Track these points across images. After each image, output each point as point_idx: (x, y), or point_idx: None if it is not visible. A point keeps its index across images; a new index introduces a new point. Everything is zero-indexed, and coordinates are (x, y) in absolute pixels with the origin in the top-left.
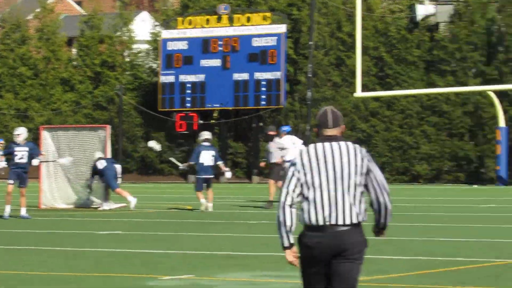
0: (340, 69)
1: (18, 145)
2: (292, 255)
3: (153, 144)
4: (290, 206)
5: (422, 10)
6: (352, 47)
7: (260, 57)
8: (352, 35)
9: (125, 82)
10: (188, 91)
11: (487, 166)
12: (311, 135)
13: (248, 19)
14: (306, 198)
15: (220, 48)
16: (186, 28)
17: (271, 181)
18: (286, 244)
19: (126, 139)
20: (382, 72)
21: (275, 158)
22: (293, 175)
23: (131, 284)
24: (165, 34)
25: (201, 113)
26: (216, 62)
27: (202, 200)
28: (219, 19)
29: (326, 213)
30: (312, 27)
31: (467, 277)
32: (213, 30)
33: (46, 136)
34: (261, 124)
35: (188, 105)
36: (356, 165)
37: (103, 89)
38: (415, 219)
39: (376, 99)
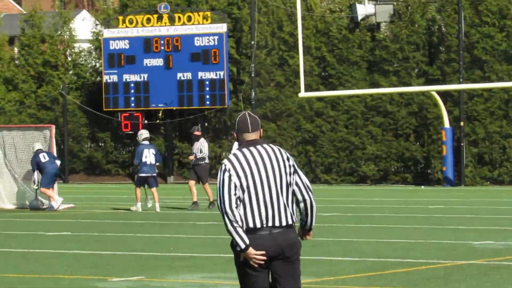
0: (283, 68)
1: None
2: (253, 252)
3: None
4: (236, 208)
5: (362, 10)
6: (294, 46)
7: (203, 57)
8: (293, 35)
9: (68, 82)
10: (132, 91)
11: (433, 167)
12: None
13: (189, 18)
14: (242, 202)
15: (162, 48)
16: (127, 27)
17: (192, 182)
18: (245, 244)
19: (72, 139)
20: (325, 72)
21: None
22: (230, 180)
23: (80, 286)
24: (107, 33)
25: (145, 113)
26: (158, 62)
27: (138, 204)
28: (159, 18)
29: (263, 215)
30: (253, 26)
31: (417, 279)
32: (154, 29)
33: None
34: (206, 124)
35: (133, 104)
36: (284, 166)
37: (46, 88)
38: (363, 220)
39: (321, 99)
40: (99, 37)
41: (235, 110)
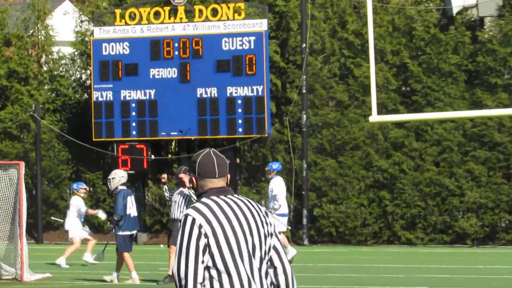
0: (346, 82)
1: None
2: None
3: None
4: (202, 284)
5: (458, 0)
6: (362, 51)
7: (233, 66)
8: (361, 35)
9: (43, 101)
10: (133, 113)
11: None
12: (308, 175)
13: (215, 12)
14: (217, 271)
15: (177, 53)
16: (127, 25)
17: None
18: None
19: (48, 181)
20: (406, 87)
21: (177, 213)
22: (199, 239)
23: None
24: (98, 33)
25: (152, 145)
26: (171, 73)
27: (134, 274)
28: (173, 11)
29: None
30: (304, 23)
31: None
32: (165, 28)
33: None
34: (237, 160)
35: (134, 132)
36: (263, 226)
37: (12, 110)
38: None
39: (400, 124)
40: (87, 38)
41: (279, 141)
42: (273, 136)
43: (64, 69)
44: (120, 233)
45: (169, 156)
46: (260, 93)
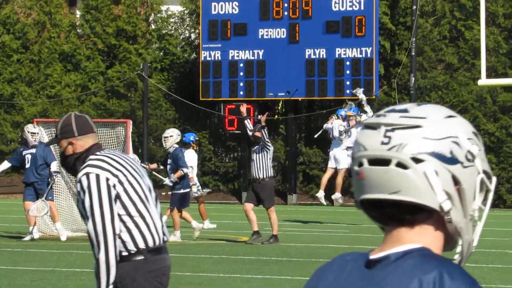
0: (456, 45)
1: None
2: None
3: None
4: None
5: None
6: (474, 13)
7: (343, 27)
8: None
9: (151, 60)
10: (241, 74)
11: None
12: None
13: None
14: (129, 216)
15: (286, 13)
16: None
17: (249, 205)
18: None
19: (155, 140)
20: None
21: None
22: (109, 193)
23: None
24: None
25: (259, 105)
26: (280, 33)
27: (178, 233)
28: None
29: (160, 230)
30: None
31: None
32: None
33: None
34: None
35: (242, 93)
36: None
37: (120, 68)
38: None
39: (509, 88)
40: None
41: (387, 103)
42: (380, 98)
43: (173, 28)
44: (182, 190)
45: (276, 116)
46: (368, 55)
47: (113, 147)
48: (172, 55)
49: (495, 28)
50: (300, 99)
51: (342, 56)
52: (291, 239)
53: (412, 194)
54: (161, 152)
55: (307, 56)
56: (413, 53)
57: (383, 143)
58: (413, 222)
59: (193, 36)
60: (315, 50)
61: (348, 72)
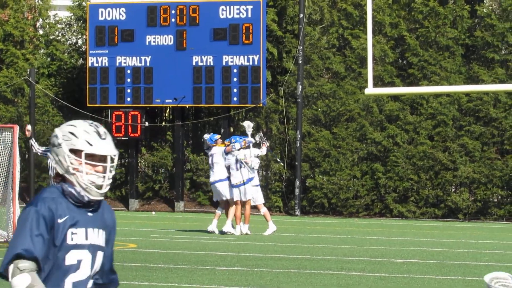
0: (343, 53)
1: None
2: None
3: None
4: None
5: None
6: (361, 22)
7: (230, 34)
8: (360, 6)
9: (38, 65)
10: (128, 80)
11: None
12: (302, 146)
13: None
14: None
15: (173, 20)
16: None
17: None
18: None
19: (42, 145)
20: (403, 60)
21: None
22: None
23: None
24: None
25: (146, 112)
26: (167, 40)
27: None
28: None
29: None
30: None
31: None
32: None
33: None
34: (231, 129)
35: (129, 99)
36: None
37: (7, 73)
38: (453, 271)
39: (396, 98)
40: (84, 3)
41: (274, 111)
42: (268, 106)
43: (60, 34)
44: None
45: (163, 123)
46: (256, 63)
47: (0, 152)
48: (59, 61)
49: (382, 37)
50: (187, 106)
51: (230, 63)
52: (178, 246)
53: None
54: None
55: (194, 63)
56: (300, 61)
57: None
58: None
59: (80, 42)
60: (202, 57)
61: (235, 79)
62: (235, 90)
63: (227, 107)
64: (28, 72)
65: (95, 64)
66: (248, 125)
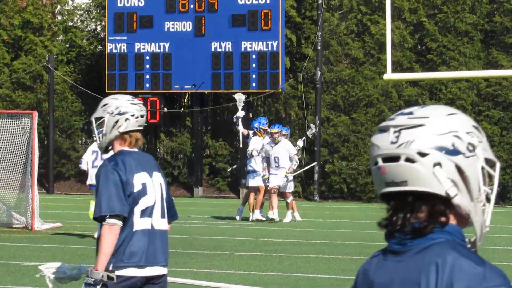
0: (362, 39)
1: None
2: None
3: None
4: None
5: None
6: (380, 8)
7: (249, 20)
8: None
9: (57, 52)
10: (147, 66)
11: None
12: (321, 131)
13: None
14: None
15: (192, 6)
16: None
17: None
18: None
19: (60, 132)
20: (422, 45)
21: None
22: None
23: None
24: None
25: (165, 98)
26: (186, 26)
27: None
28: None
29: None
30: None
31: None
32: None
33: None
34: (250, 115)
35: (147, 85)
36: None
37: (25, 60)
38: None
39: (415, 83)
40: None
41: (293, 96)
42: (286, 92)
43: (78, 20)
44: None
45: (182, 109)
46: (274, 48)
47: (19, 138)
48: (78, 48)
49: (401, 23)
50: (206, 92)
51: (248, 49)
52: (197, 232)
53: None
54: (67, 144)
55: (213, 49)
56: (319, 47)
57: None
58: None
59: (99, 28)
60: (221, 43)
61: (254, 65)
62: (253, 76)
63: (246, 92)
64: (47, 59)
65: (114, 51)
66: (239, 99)
